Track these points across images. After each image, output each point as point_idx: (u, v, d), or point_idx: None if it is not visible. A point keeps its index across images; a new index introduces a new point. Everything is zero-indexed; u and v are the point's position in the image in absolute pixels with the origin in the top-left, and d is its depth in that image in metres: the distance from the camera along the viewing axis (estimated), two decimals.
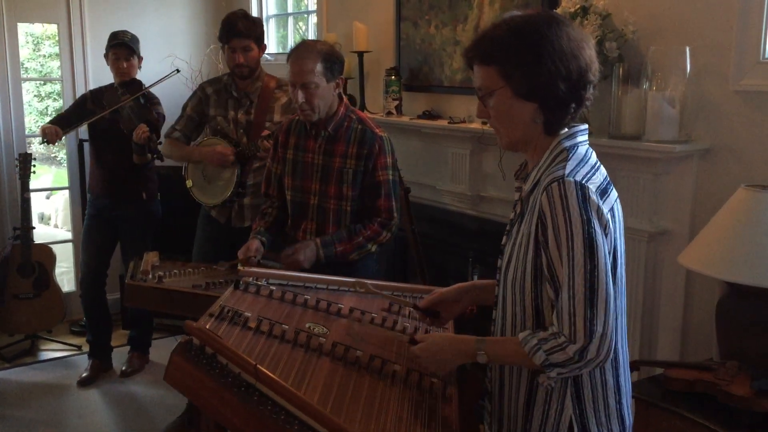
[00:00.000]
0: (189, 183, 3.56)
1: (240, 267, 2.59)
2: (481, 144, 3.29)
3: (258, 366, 1.41)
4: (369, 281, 2.07)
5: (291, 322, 1.79)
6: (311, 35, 4.87)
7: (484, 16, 3.29)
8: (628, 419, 1.60)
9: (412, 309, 1.93)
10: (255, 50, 3.40)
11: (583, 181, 1.44)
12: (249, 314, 1.75)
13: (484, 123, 2.83)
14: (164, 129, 3.80)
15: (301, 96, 2.59)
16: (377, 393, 1.58)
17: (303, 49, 2.62)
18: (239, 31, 3.33)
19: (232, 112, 3.48)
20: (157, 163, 3.93)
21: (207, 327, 1.57)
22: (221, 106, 3.50)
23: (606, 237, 1.44)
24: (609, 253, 1.46)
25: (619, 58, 2.61)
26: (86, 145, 4.74)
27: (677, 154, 2.48)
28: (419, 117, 3.65)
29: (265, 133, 3.27)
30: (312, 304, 1.94)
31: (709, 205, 2.46)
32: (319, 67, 2.57)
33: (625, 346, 1.59)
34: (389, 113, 3.76)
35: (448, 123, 3.40)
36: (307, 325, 1.77)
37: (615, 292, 1.50)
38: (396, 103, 3.76)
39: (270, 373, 1.41)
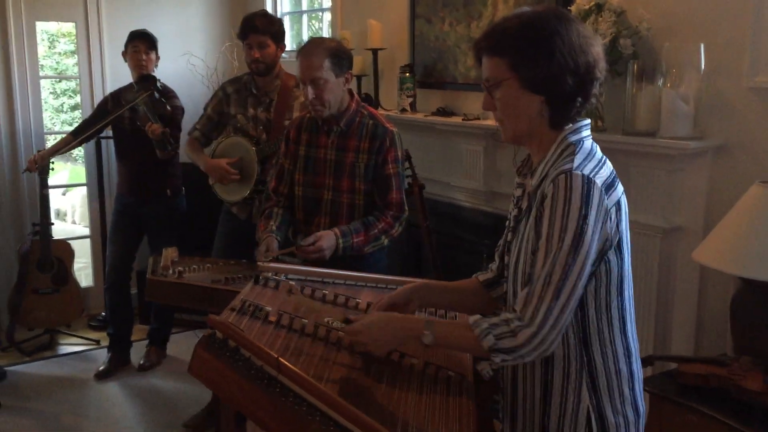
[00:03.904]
0: (212, 180, 3.63)
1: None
2: (495, 140, 3.31)
3: (280, 359, 1.44)
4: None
5: (310, 316, 1.83)
6: (325, 33, 4.90)
7: (498, 13, 3.31)
8: (642, 406, 1.63)
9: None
10: (271, 47, 3.44)
11: (591, 175, 1.46)
12: (269, 308, 1.79)
13: None
14: (187, 125, 3.86)
15: (311, 92, 2.63)
16: (395, 385, 1.61)
17: (311, 46, 2.66)
18: (255, 27, 3.40)
19: (252, 109, 3.53)
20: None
21: (229, 321, 1.60)
22: (241, 105, 3.56)
23: (601, 232, 1.46)
24: (611, 246, 1.49)
25: (634, 55, 2.62)
26: (104, 143, 4.81)
27: (691, 151, 2.49)
28: (433, 114, 3.67)
29: None
30: (330, 298, 1.98)
31: (723, 201, 2.47)
32: (327, 63, 2.60)
33: (635, 334, 1.61)
34: (403, 110, 3.78)
35: (462, 120, 3.42)
36: (325, 320, 1.81)
37: (624, 285, 1.53)
38: (410, 100, 3.78)
39: (292, 366, 1.44)
